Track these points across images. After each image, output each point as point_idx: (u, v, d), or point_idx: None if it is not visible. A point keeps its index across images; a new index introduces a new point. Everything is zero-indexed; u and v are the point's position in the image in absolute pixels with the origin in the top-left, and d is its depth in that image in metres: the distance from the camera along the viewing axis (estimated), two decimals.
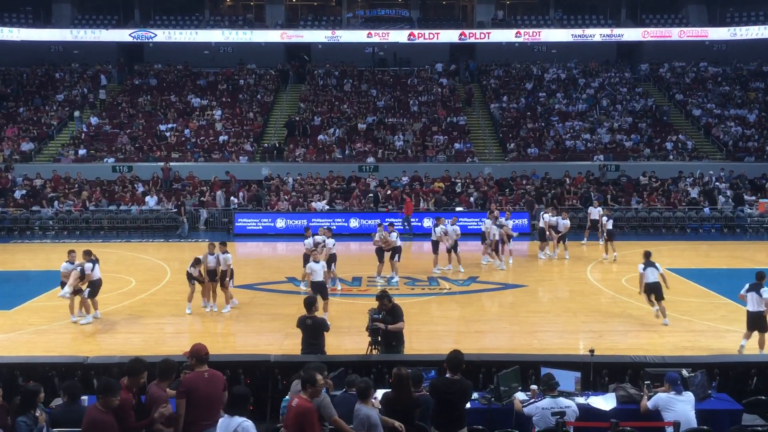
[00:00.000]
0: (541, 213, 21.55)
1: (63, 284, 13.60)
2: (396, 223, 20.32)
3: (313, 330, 9.40)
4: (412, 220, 24.45)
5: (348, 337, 12.10)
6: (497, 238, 18.64)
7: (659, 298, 13.34)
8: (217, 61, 36.99)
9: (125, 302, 15.27)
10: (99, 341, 12.53)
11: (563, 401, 7.17)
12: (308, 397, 6.24)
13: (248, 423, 5.99)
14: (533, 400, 7.37)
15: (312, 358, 8.76)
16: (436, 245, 18.21)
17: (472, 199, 26.26)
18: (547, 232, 20.24)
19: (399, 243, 17.14)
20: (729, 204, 26.31)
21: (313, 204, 25.73)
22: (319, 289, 13.03)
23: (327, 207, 25.61)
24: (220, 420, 6.18)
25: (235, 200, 26.27)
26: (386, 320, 9.43)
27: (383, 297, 9.62)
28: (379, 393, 7.76)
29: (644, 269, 13.49)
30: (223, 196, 26.43)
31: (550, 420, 6.92)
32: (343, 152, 30.09)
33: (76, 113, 33.01)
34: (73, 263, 13.75)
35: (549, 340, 12.73)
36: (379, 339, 9.50)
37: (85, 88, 34.87)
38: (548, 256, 20.32)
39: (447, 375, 6.92)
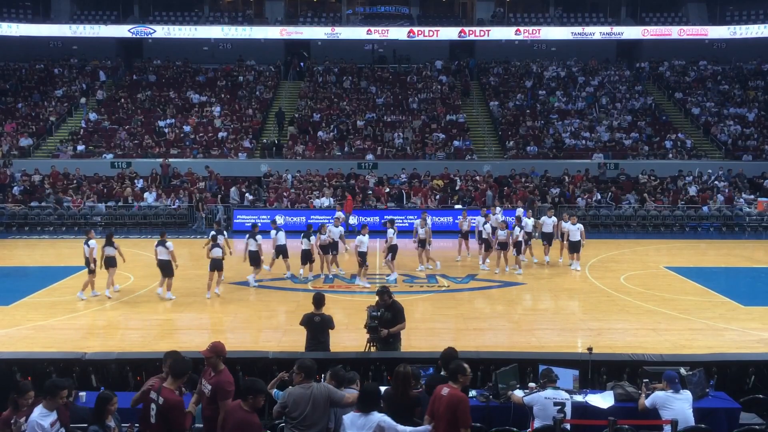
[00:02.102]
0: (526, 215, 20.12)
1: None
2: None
3: (321, 327, 9.38)
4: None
5: (346, 333, 12.09)
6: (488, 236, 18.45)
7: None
8: (216, 58, 36.94)
9: (124, 298, 15.26)
10: (97, 337, 12.53)
11: (564, 393, 7.20)
12: (459, 387, 6.23)
13: (389, 418, 5.91)
14: (535, 390, 7.38)
15: (310, 354, 8.76)
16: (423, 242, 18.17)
17: (486, 196, 26.05)
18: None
19: (395, 241, 17.21)
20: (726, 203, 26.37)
21: (313, 201, 25.73)
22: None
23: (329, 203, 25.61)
24: (350, 416, 6.03)
25: (250, 197, 26.24)
26: (384, 316, 9.42)
27: (383, 293, 9.62)
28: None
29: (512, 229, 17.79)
30: (237, 192, 26.42)
31: (552, 410, 6.94)
32: (342, 149, 30.07)
33: (83, 100, 33.27)
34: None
35: (547, 338, 12.74)
36: (377, 336, 9.49)
37: (84, 84, 34.82)
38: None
39: (442, 373, 6.92)
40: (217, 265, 15.15)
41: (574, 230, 18.20)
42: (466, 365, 6.37)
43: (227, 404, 6.07)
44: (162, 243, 15.05)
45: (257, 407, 5.86)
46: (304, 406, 6.18)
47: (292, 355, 9.07)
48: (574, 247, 18.28)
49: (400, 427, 5.94)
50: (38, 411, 5.99)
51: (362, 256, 16.53)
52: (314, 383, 6.37)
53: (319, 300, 9.48)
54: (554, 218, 19.58)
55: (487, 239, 18.28)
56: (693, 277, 17.42)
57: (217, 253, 15.10)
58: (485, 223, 18.54)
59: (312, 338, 9.44)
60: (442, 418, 6.07)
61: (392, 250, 17.16)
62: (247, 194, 26.46)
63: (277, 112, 32.73)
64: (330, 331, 9.53)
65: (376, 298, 9.77)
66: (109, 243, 15.24)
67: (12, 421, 6.12)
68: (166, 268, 15.06)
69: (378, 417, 5.85)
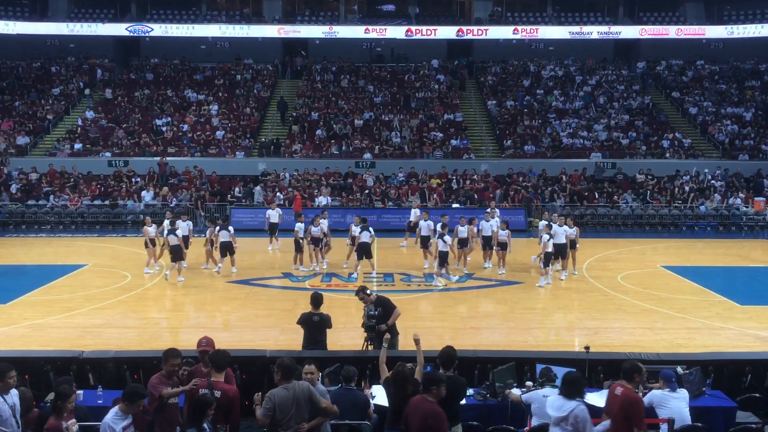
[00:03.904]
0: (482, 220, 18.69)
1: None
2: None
3: (319, 326, 9.41)
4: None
5: (344, 332, 12.09)
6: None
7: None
8: (214, 56, 36.92)
9: (121, 297, 15.25)
10: (94, 336, 12.49)
11: None
12: (634, 386, 6.30)
13: (583, 407, 6.13)
14: (533, 389, 7.39)
15: (310, 353, 8.77)
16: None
17: (496, 195, 25.99)
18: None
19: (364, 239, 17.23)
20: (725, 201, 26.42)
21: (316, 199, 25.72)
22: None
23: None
24: (553, 399, 6.32)
25: (281, 195, 25.94)
26: (378, 314, 9.44)
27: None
28: (375, 388, 7.78)
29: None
30: (262, 192, 26.18)
31: None
32: (340, 148, 30.07)
33: (87, 91, 33.49)
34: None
35: (544, 336, 12.77)
36: (374, 335, 9.51)
37: (81, 82, 34.78)
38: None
39: (440, 371, 6.93)
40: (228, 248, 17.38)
41: (545, 238, 16.44)
42: (641, 365, 6.45)
43: (414, 400, 6.24)
44: (224, 227, 17.47)
45: (440, 397, 6.13)
46: (289, 408, 6.15)
47: (289, 353, 9.07)
48: (545, 258, 16.46)
49: (590, 423, 6.14)
50: (113, 413, 6.02)
51: (442, 256, 16.55)
52: (295, 382, 6.34)
53: (317, 299, 9.51)
54: (566, 227, 17.20)
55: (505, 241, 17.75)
56: (690, 276, 17.44)
57: (173, 240, 16.68)
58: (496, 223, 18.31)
59: (310, 337, 9.46)
60: (615, 417, 6.25)
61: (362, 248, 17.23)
62: (278, 194, 26.01)
63: (279, 102, 32.90)
64: (327, 330, 9.56)
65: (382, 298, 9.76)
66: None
67: (64, 427, 6.12)
68: (227, 249, 17.31)
69: (574, 404, 6.12)
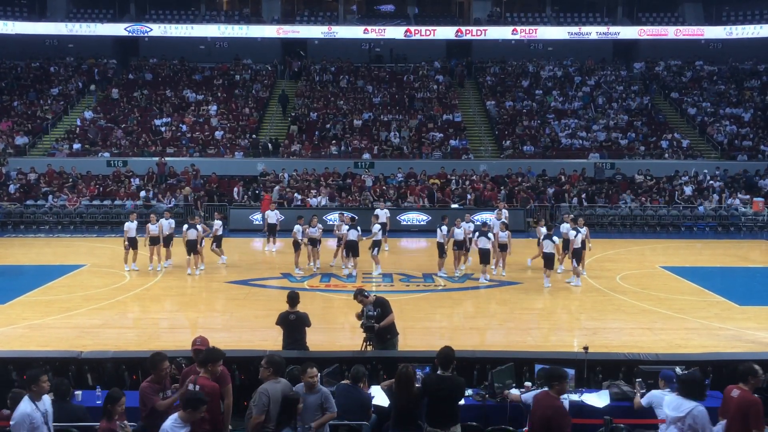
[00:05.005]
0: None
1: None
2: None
3: (296, 325, 9.42)
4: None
5: (342, 333, 12.09)
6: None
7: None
8: (212, 56, 36.89)
9: (119, 297, 15.24)
10: (93, 336, 12.48)
11: None
12: (750, 389, 6.25)
13: (702, 408, 6.11)
14: (532, 389, 7.39)
15: (310, 354, 8.76)
16: (441, 247, 17.58)
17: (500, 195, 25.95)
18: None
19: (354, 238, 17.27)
20: (723, 202, 26.42)
21: (309, 200, 25.70)
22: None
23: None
24: (671, 398, 6.36)
25: (298, 196, 25.82)
26: (377, 314, 9.45)
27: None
28: (373, 389, 7.78)
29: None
30: (278, 192, 25.95)
31: None
32: (339, 148, 30.06)
33: (92, 87, 33.73)
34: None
35: (543, 337, 12.77)
36: (373, 335, 9.50)
37: (80, 82, 34.76)
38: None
39: (438, 372, 6.93)
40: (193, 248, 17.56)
41: (548, 242, 16.40)
42: (757, 367, 6.38)
43: (537, 396, 6.36)
44: (223, 221, 18.97)
45: (563, 393, 6.28)
46: (280, 404, 6.20)
47: (288, 353, 9.07)
48: (547, 262, 16.39)
49: (709, 425, 6.13)
50: (172, 420, 5.87)
51: (483, 254, 16.62)
52: (282, 379, 6.41)
53: (293, 298, 9.57)
54: (569, 227, 17.15)
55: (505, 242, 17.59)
56: (688, 276, 17.45)
57: (192, 235, 17.38)
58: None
59: (288, 336, 9.49)
60: (732, 419, 6.21)
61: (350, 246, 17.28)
62: (296, 194, 25.93)
63: (280, 96, 33.01)
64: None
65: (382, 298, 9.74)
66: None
67: (119, 423, 6.10)
68: (219, 240, 18.59)
69: (693, 404, 6.12)
